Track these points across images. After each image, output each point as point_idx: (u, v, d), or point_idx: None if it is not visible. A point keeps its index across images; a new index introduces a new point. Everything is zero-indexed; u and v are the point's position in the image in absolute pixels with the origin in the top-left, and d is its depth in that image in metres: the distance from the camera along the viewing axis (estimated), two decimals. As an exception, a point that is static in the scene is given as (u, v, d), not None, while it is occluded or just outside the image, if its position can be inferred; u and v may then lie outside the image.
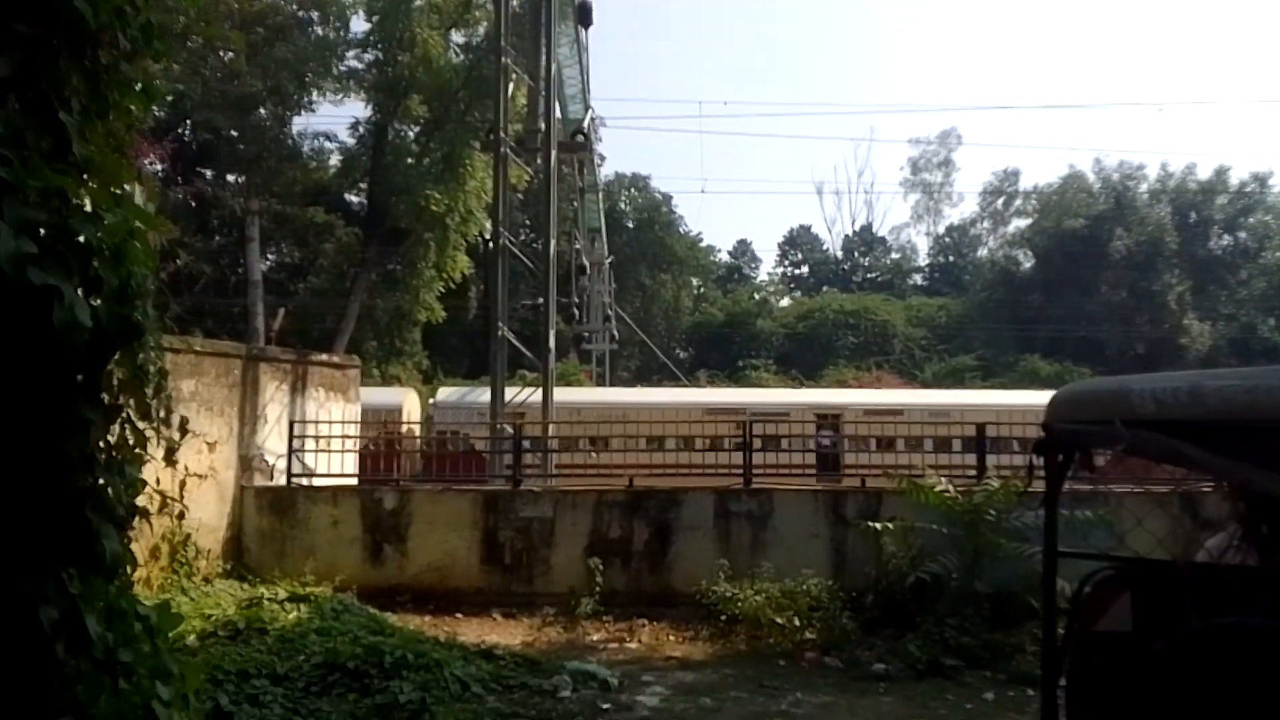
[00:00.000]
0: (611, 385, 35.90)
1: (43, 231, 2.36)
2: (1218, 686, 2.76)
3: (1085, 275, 51.05)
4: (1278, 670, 2.66)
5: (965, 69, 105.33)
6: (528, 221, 37.26)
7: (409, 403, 25.50)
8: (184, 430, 3.34)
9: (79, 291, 2.43)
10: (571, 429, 15.17)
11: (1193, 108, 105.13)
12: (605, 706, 8.24)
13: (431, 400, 26.07)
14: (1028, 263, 58.04)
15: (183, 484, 9.95)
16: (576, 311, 31.66)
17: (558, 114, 19.57)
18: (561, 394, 18.31)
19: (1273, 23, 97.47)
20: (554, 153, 16.48)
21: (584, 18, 20.17)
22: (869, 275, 70.78)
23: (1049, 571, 3.44)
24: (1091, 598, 3.18)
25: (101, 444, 2.80)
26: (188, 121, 29.92)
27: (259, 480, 12.22)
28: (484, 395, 26.78)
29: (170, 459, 3.22)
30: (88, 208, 2.60)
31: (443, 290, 29.53)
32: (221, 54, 20.23)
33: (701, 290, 61.48)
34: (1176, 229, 52.30)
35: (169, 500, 3.55)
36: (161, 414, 3.09)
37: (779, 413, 23.27)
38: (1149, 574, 3.13)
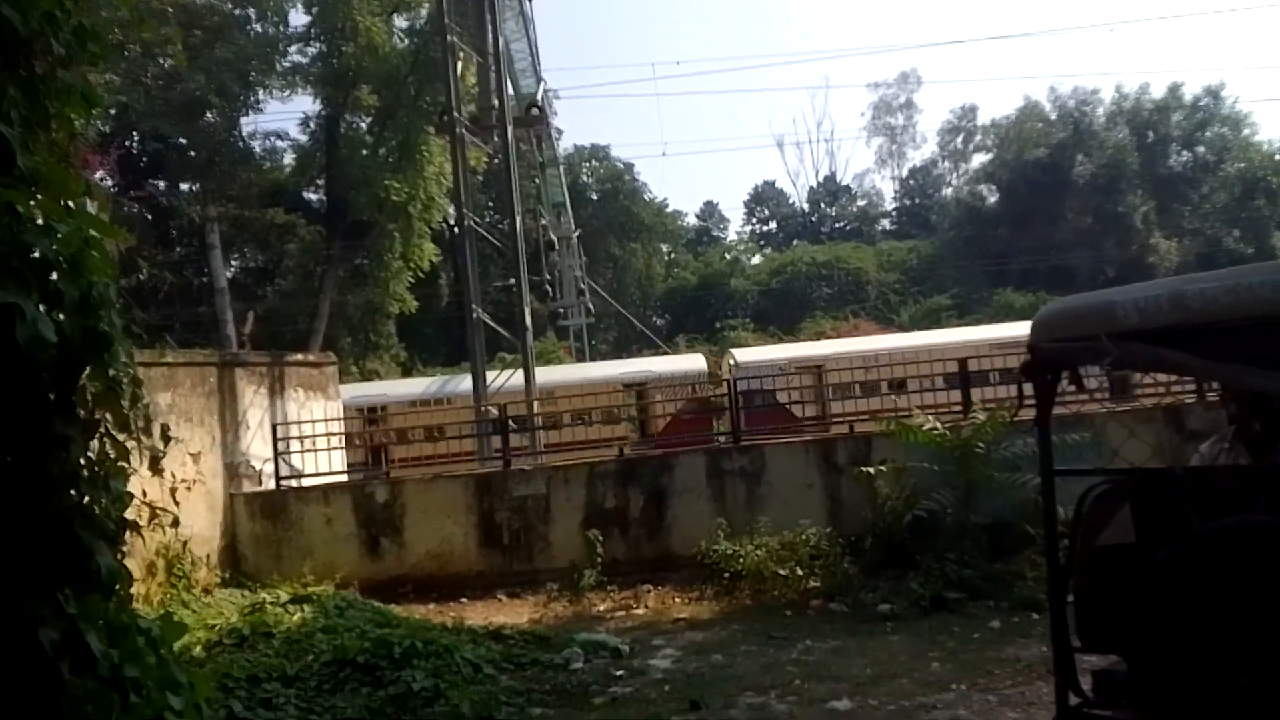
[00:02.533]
0: (591, 359, 35.82)
1: None
2: (1224, 588, 2.77)
3: (1050, 204, 51.31)
4: None
5: (917, 8, 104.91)
6: (491, 202, 36.96)
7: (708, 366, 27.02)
8: (166, 438, 3.29)
9: (40, 307, 2.38)
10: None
11: (1142, 26, 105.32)
12: (619, 673, 8.29)
13: (731, 361, 26.37)
14: (992, 197, 58.23)
15: (173, 491, 9.84)
16: (550, 288, 31.46)
17: (510, 89, 19.33)
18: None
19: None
20: (510, 129, 16.29)
21: (527, -11, 19.88)
22: (837, 225, 70.80)
23: (1048, 491, 3.46)
24: (1091, 513, 3.20)
25: (82, 460, 2.75)
26: (134, 132, 29.32)
27: (247, 486, 12.14)
28: (780, 351, 27.87)
29: (155, 468, 3.16)
30: (39, 221, 2.53)
31: (413, 280, 29.30)
32: (161, 60, 19.80)
33: (672, 256, 61.30)
34: (1136, 150, 52.57)
35: (159, 512, 3.49)
36: (141, 424, 3.04)
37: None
38: (1146, 483, 3.15)
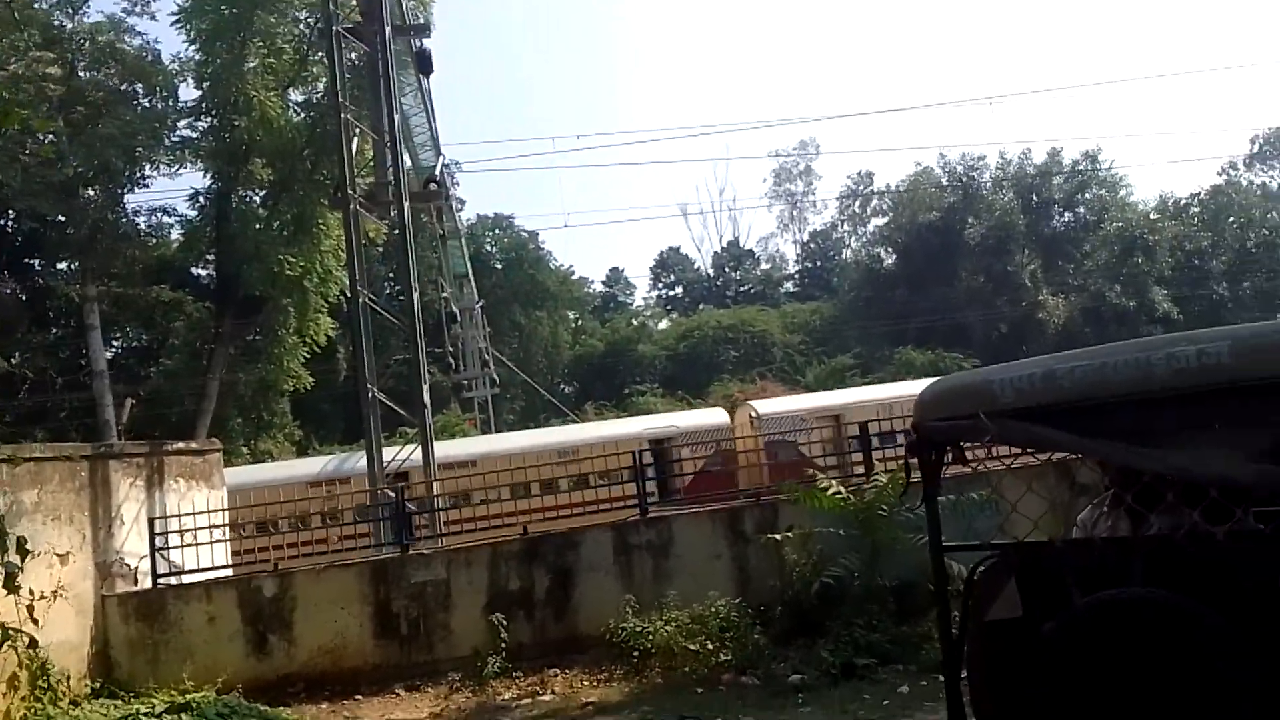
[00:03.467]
0: (497, 430, 35.27)
1: None
2: (1106, 661, 2.78)
3: (944, 265, 53.34)
4: (1160, 638, 2.69)
5: (813, 81, 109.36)
6: (391, 274, 36.51)
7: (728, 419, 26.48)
8: (23, 552, 3.01)
9: None
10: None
11: (1020, 99, 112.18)
12: (522, 770, 7.87)
13: (753, 414, 25.61)
14: (889, 259, 60.28)
15: (30, 609, 9.11)
16: (452, 360, 31.04)
17: (408, 164, 19.16)
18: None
19: (1078, 13, 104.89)
20: (406, 205, 16.05)
21: (424, 66, 19.83)
22: (742, 288, 72.20)
23: (938, 568, 3.46)
24: (981, 586, 3.22)
25: None
26: (9, 210, 28.06)
27: (121, 586, 11.33)
28: (798, 402, 27.36)
29: (11, 586, 2.89)
30: None
31: (308, 355, 28.50)
32: (40, 137, 19.04)
33: (579, 323, 61.37)
34: (1022, 211, 55.21)
35: (10, 631, 3.20)
36: None
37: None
38: (1029, 556, 3.14)
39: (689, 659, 10.36)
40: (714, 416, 26.95)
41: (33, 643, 3.93)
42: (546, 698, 10.32)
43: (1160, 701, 2.72)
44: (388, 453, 15.67)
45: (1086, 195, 57.39)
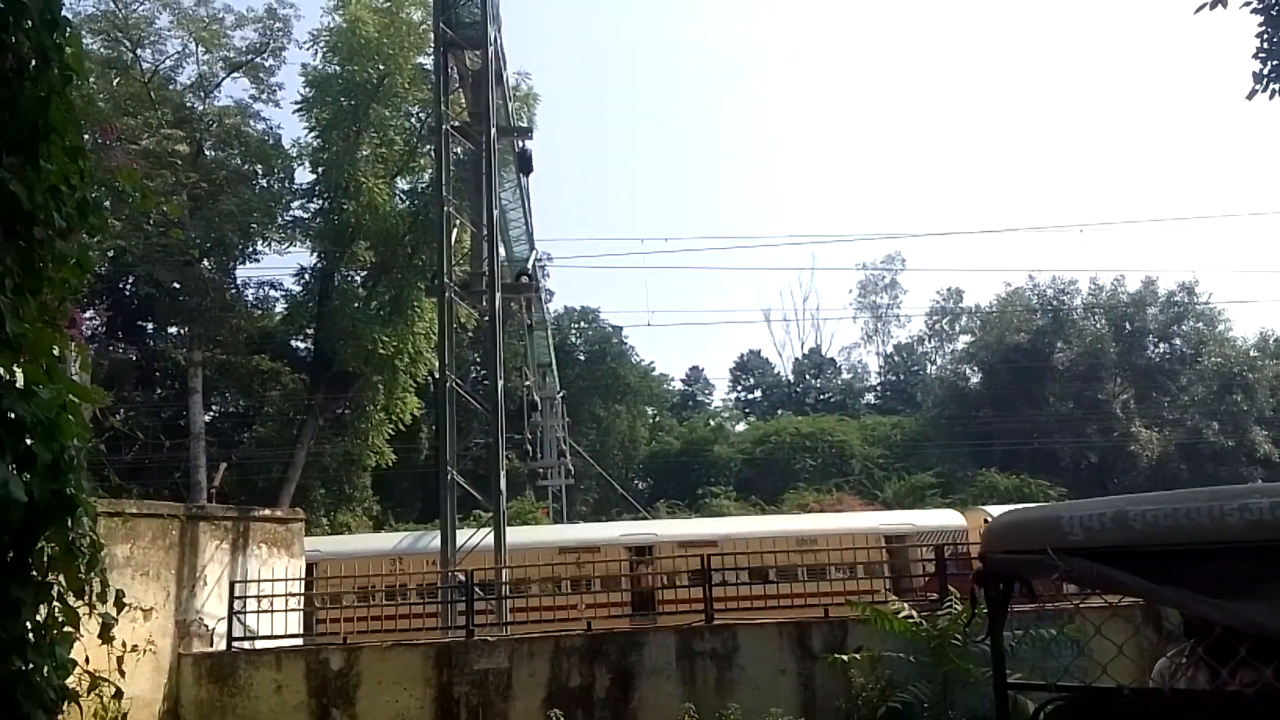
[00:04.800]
0: (570, 521, 35.29)
1: None
2: None
3: (1031, 388, 52.15)
4: None
5: (903, 196, 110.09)
6: (478, 359, 37.39)
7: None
8: (120, 605, 3.23)
9: (12, 468, 2.38)
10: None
11: (1112, 228, 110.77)
12: None
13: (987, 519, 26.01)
14: (975, 378, 59.21)
15: (120, 660, 9.42)
16: (530, 448, 31.33)
17: (502, 255, 19.92)
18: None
19: (1164, 147, 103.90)
20: (499, 295, 16.66)
21: (524, 165, 20.81)
22: (821, 396, 71.61)
23: (1000, 705, 3.40)
24: None
25: (29, 624, 2.69)
26: (129, 276, 29.90)
27: (198, 646, 11.62)
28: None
29: (106, 637, 3.10)
30: (20, 383, 2.56)
31: (392, 433, 29.23)
32: (166, 212, 20.50)
33: (657, 419, 61.52)
34: (1114, 339, 53.95)
35: (99, 680, 3.39)
36: (96, 589, 3.01)
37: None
38: (1096, 702, 3.09)
39: (747, 776, 10.08)
40: (949, 518, 27.23)
41: (118, 693, 4.13)
42: (598, 802, 10.12)
43: None
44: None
45: (1183, 327, 55.89)
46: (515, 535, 27.03)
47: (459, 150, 21.12)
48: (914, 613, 10.66)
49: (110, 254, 25.21)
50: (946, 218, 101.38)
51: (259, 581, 12.37)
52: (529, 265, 23.58)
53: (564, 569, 15.97)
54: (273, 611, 12.16)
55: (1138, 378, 53.67)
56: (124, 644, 9.47)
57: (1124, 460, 49.33)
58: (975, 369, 59.67)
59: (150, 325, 32.98)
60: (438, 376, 17.86)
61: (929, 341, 70.30)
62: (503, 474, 15.56)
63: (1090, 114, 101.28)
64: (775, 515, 31.90)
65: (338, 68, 28.27)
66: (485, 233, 17.16)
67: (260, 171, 30.62)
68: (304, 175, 30.27)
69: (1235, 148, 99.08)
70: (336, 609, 13.34)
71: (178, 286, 29.57)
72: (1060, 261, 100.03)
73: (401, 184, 30.16)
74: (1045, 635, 9.66)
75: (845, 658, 10.73)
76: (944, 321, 67.50)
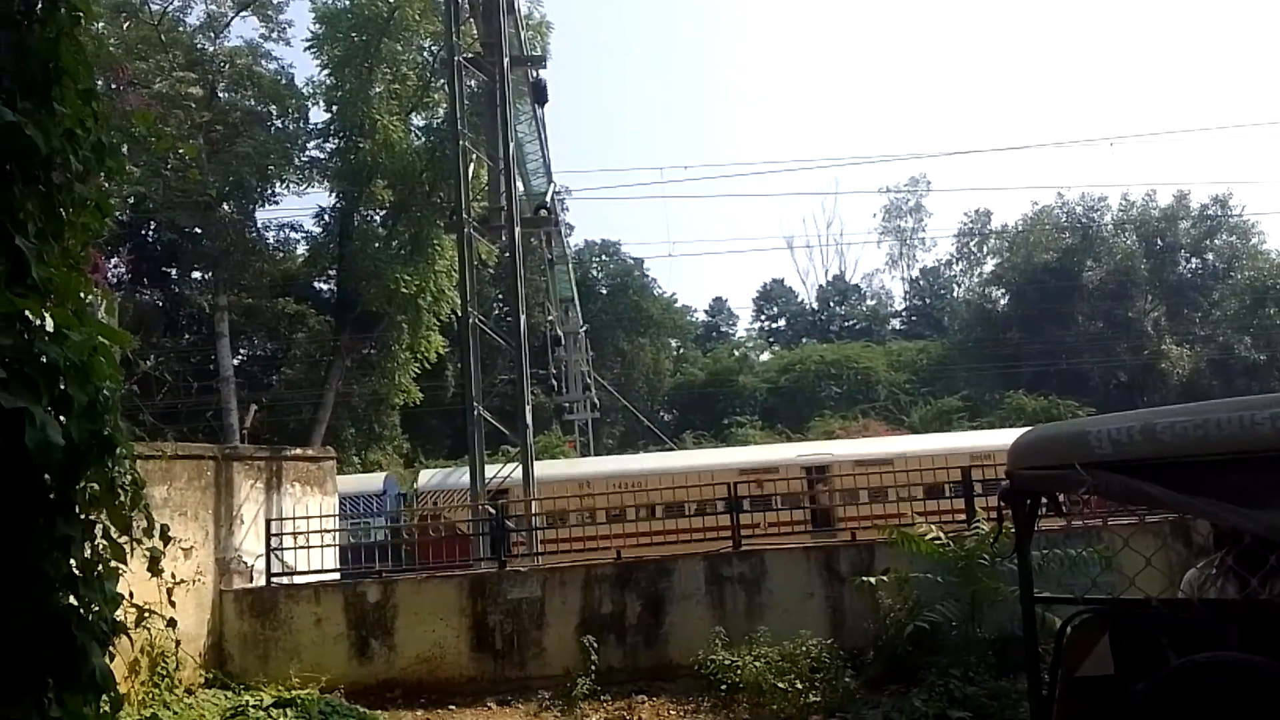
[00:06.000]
0: (596, 454, 35.64)
1: (8, 358, 2.40)
2: None
3: (1060, 308, 51.59)
4: (1254, 704, 2.64)
5: (926, 116, 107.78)
6: (500, 295, 37.42)
7: None
8: (166, 538, 3.34)
9: (49, 411, 2.43)
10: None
11: (1142, 140, 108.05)
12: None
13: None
14: (1003, 300, 58.59)
15: (170, 591, 9.68)
16: (555, 383, 31.60)
17: (520, 190, 19.77)
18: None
19: (1206, 53, 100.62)
20: (518, 229, 16.57)
21: (539, 96, 20.52)
22: (846, 324, 71.27)
23: (1028, 620, 3.43)
24: (1072, 642, 3.17)
25: (77, 560, 2.79)
26: (151, 222, 30.01)
27: (238, 583, 11.94)
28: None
29: (155, 569, 3.21)
30: (50, 328, 2.61)
31: (418, 371, 29.43)
32: (183, 155, 20.44)
33: (681, 351, 61.57)
34: (1145, 256, 53.06)
35: (146, 613, 3.53)
36: (143, 524, 3.11)
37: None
38: (1125, 614, 3.10)
39: (778, 697, 10.27)
40: None
41: (171, 622, 4.30)
42: (633, 724, 10.39)
43: None
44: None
45: (1215, 241, 54.82)
46: (697, 457, 27.48)
47: (473, 83, 20.85)
48: (941, 534, 10.72)
49: (130, 201, 25.24)
50: (972, 136, 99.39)
51: (294, 519, 12.63)
52: (547, 199, 23.41)
53: (745, 489, 16.22)
54: (309, 547, 12.44)
55: (1169, 294, 52.91)
56: (172, 576, 9.79)
57: (1154, 379, 48.93)
58: (1003, 291, 59.00)
59: (174, 271, 33.19)
60: (460, 314, 17.90)
61: (956, 264, 69.47)
62: (528, 409, 15.67)
63: (1119, 21, 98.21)
64: (941, 434, 31.80)
65: (347, 1, 27.83)
66: (502, 167, 17.00)
67: (274, 113, 30.38)
68: (318, 115, 30.08)
69: (1271, 54, 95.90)
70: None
71: (199, 231, 29.63)
72: (1090, 177, 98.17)
73: (417, 120, 29.86)
74: (1072, 553, 9.71)
75: (873, 580, 10.85)
76: (971, 244, 66.56)
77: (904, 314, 73.40)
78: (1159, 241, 54.14)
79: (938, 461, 15.10)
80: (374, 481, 25.23)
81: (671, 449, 36.53)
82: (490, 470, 16.11)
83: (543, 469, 19.18)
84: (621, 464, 27.54)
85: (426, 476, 26.00)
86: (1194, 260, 55.35)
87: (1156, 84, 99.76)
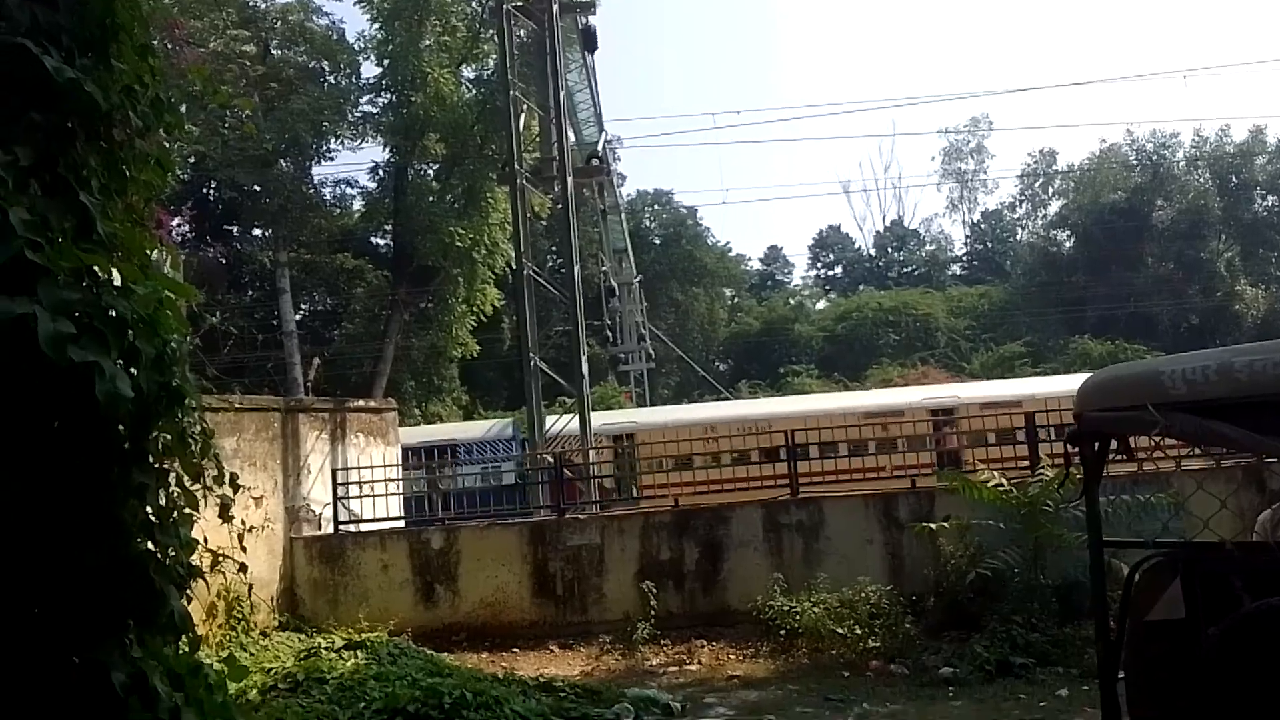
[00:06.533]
0: (652, 404, 35.77)
1: (77, 312, 2.45)
2: (1273, 668, 2.69)
3: (1129, 250, 49.91)
4: None
5: (986, 54, 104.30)
6: (554, 247, 37.43)
7: None
8: (235, 486, 3.45)
9: (118, 364, 2.51)
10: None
11: (1218, 73, 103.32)
12: (668, 733, 8.12)
13: None
14: (1068, 242, 56.87)
15: (241, 537, 10.03)
16: (610, 333, 31.65)
17: (572, 140, 19.65)
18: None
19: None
20: (570, 180, 16.52)
21: (589, 43, 20.28)
22: (905, 270, 69.92)
23: (1096, 564, 3.39)
24: (1142, 586, 3.14)
25: (151, 507, 2.88)
26: (211, 180, 30.53)
27: (307, 530, 12.32)
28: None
29: (226, 515, 3.33)
30: (117, 282, 2.67)
31: (475, 324, 29.70)
32: (240, 113, 20.69)
33: (735, 300, 61.14)
34: (1219, 194, 51.00)
35: (220, 558, 3.69)
36: (213, 473, 3.21)
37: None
38: (1197, 557, 3.03)
39: (836, 642, 10.34)
40: None
41: (243, 567, 4.45)
42: (693, 667, 10.56)
43: None
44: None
45: (1293, 178, 52.41)
46: (821, 401, 27.58)
47: (522, 33, 20.68)
48: (1004, 480, 10.59)
49: (191, 160, 25.67)
50: (1035, 73, 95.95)
51: (359, 469, 12.94)
52: (599, 148, 23.28)
53: (869, 430, 16.78)
54: (374, 496, 12.75)
55: (1243, 234, 50.90)
56: (243, 522, 10.11)
57: (1227, 321, 47.32)
58: (1068, 233, 57.26)
59: (235, 228, 33.80)
60: (515, 267, 17.97)
61: (1019, 207, 67.43)
62: (584, 359, 15.76)
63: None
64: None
65: (395, -47, 27.70)
66: (553, 116, 16.92)
67: (327, 68, 30.52)
68: (369, 70, 30.14)
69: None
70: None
71: (258, 189, 30.06)
72: (1161, 113, 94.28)
73: (467, 72, 29.75)
74: (1140, 499, 9.53)
75: (934, 526, 10.78)
76: (1035, 185, 64.49)
77: (964, 259, 71.71)
78: (1234, 179, 51.94)
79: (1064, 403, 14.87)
80: (504, 428, 25.66)
81: (727, 398, 36.48)
82: (604, 417, 16.32)
83: (663, 414, 19.33)
84: (737, 409, 27.39)
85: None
86: (1270, 198, 53.03)
87: (1232, 11, 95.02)
